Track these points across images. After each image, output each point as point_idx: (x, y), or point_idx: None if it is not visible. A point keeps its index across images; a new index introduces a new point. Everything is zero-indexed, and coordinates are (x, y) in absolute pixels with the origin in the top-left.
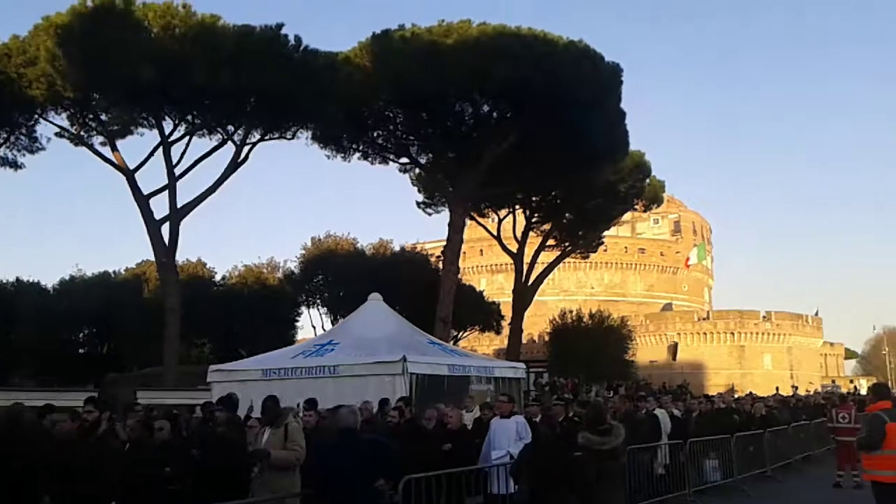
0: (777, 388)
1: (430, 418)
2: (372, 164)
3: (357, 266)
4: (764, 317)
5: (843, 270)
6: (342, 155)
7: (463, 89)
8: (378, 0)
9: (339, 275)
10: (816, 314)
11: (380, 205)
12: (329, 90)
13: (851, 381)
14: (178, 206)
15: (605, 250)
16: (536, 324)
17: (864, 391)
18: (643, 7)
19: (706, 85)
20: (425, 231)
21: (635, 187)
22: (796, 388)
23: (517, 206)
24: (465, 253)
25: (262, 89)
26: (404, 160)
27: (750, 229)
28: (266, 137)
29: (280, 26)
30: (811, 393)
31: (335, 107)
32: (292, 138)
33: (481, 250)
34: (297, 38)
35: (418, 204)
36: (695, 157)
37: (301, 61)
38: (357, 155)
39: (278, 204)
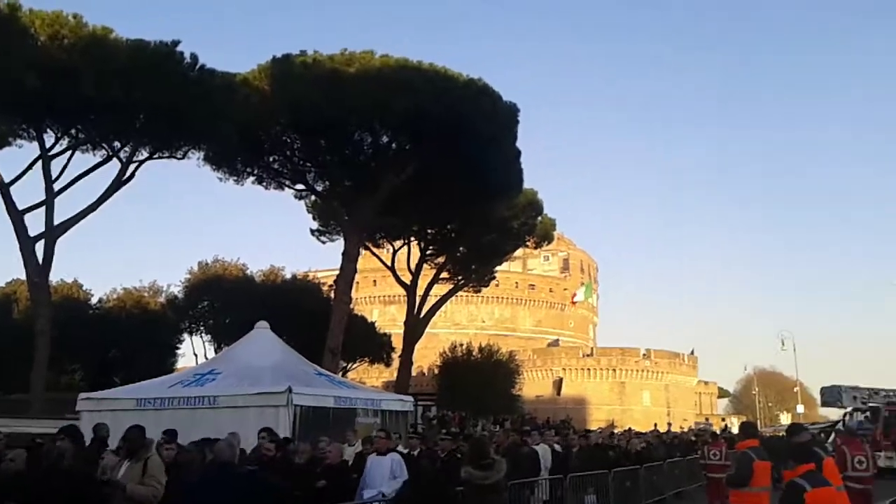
0: (655, 425)
1: (302, 452)
2: (266, 188)
3: (245, 293)
4: (644, 354)
5: (718, 312)
6: (235, 178)
7: (363, 118)
8: (278, 25)
9: (225, 301)
10: (692, 353)
11: (272, 231)
12: (224, 111)
13: (723, 420)
14: (55, 223)
15: (497, 285)
16: (427, 356)
17: (734, 429)
18: (536, 52)
19: (597, 128)
20: (318, 259)
21: (528, 224)
22: (671, 424)
23: (412, 238)
24: (358, 283)
25: (154, 105)
26: (300, 187)
27: (633, 270)
28: (155, 156)
29: (176, 43)
30: (685, 430)
31: (230, 128)
32: (183, 158)
33: (375, 281)
34: (194, 56)
35: (312, 231)
36: (584, 197)
37: (197, 80)
38: (251, 179)
39: (164, 226)
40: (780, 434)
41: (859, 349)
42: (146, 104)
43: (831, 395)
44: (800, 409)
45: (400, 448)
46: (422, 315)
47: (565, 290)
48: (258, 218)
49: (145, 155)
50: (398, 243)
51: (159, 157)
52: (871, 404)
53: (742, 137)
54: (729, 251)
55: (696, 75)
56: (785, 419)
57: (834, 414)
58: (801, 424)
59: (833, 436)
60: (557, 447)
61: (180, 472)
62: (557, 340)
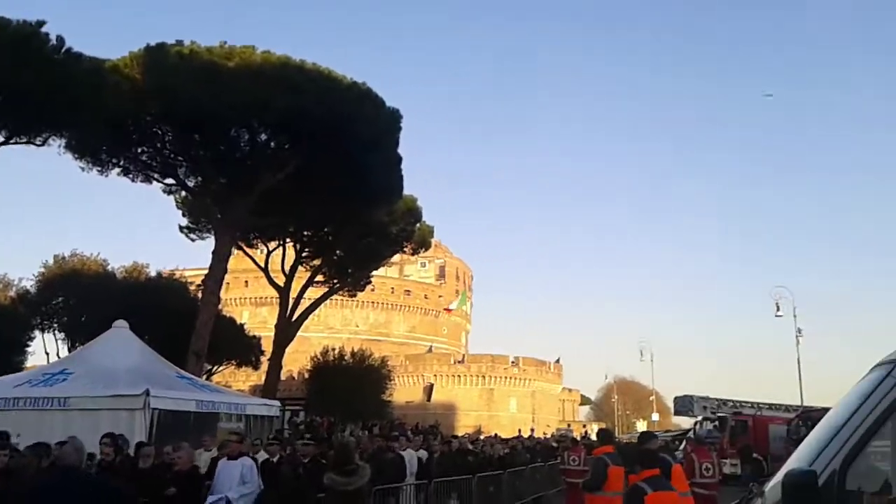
0: (519, 430)
1: (146, 456)
2: (133, 181)
3: (105, 290)
4: (513, 362)
5: (584, 322)
6: (99, 168)
7: (241, 114)
8: (155, 13)
9: (83, 298)
10: (558, 361)
11: (137, 226)
12: (91, 97)
13: (584, 426)
14: None
15: (373, 290)
16: (298, 360)
17: (594, 436)
18: (419, 61)
19: (476, 139)
20: (187, 258)
21: (406, 230)
22: (534, 430)
23: (288, 239)
24: (228, 283)
25: (13, 88)
26: (170, 181)
27: (505, 278)
28: (11, 141)
29: (41, 23)
30: (548, 436)
31: (96, 116)
32: (42, 145)
33: (247, 282)
34: (60, 39)
35: (182, 228)
36: (461, 206)
37: (62, 63)
38: (117, 170)
39: (17, 216)
40: (635, 441)
41: (713, 361)
42: (3, 86)
43: (683, 405)
44: (655, 417)
45: (261, 454)
46: (294, 318)
47: (440, 296)
48: (122, 211)
49: (0, 139)
50: (273, 244)
51: (16, 143)
52: (719, 414)
53: (610, 147)
54: (595, 263)
55: (568, 86)
56: (641, 426)
57: (686, 422)
58: (652, 432)
59: (684, 443)
60: (423, 452)
61: (11, 480)
62: (431, 347)
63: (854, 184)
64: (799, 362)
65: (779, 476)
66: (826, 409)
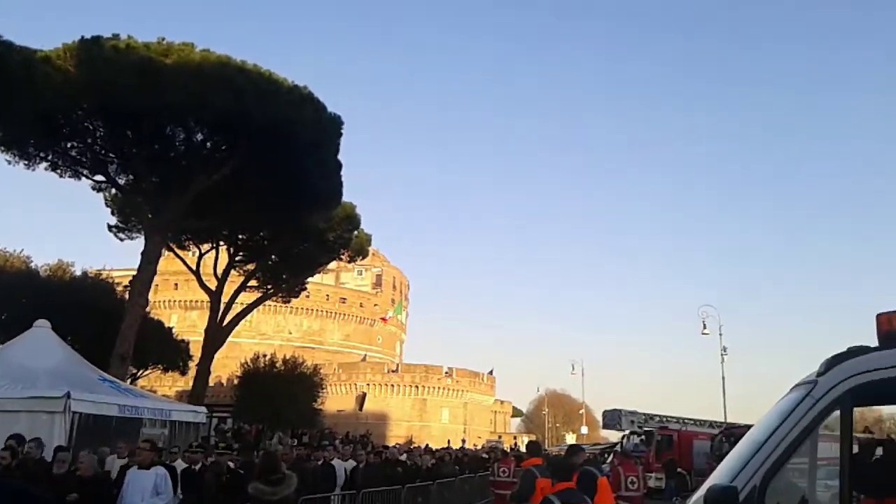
0: (449, 442)
1: (62, 462)
2: (61, 176)
3: (28, 288)
4: (446, 372)
5: (518, 334)
6: (26, 162)
7: (177, 113)
8: (91, 5)
9: (3, 296)
10: (491, 373)
11: (64, 223)
12: (19, 88)
13: (515, 438)
14: None
15: (308, 296)
16: (228, 366)
17: (524, 448)
18: (361, 69)
19: (420, 150)
20: (115, 257)
21: (343, 237)
22: (465, 441)
23: (221, 242)
24: (158, 285)
25: None
26: (100, 178)
27: (442, 288)
28: None
29: None
30: (478, 447)
31: (25, 107)
32: None
33: (177, 284)
34: None
35: (110, 227)
36: (400, 215)
37: None
38: (44, 165)
39: None
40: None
41: (643, 377)
42: None
43: (612, 419)
44: (584, 430)
45: (178, 462)
46: (225, 323)
47: (376, 305)
48: (49, 208)
49: None
50: (206, 247)
51: None
52: (646, 429)
53: (546, 161)
54: (530, 277)
55: (509, 98)
56: (570, 439)
57: (614, 436)
58: (579, 445)
59: (611, 456)
60: (351, 462)
61: None
62: (365, 356)
63: (781, 206)
64: (723, 379)
65: (701, 491)
66: (748, 426)
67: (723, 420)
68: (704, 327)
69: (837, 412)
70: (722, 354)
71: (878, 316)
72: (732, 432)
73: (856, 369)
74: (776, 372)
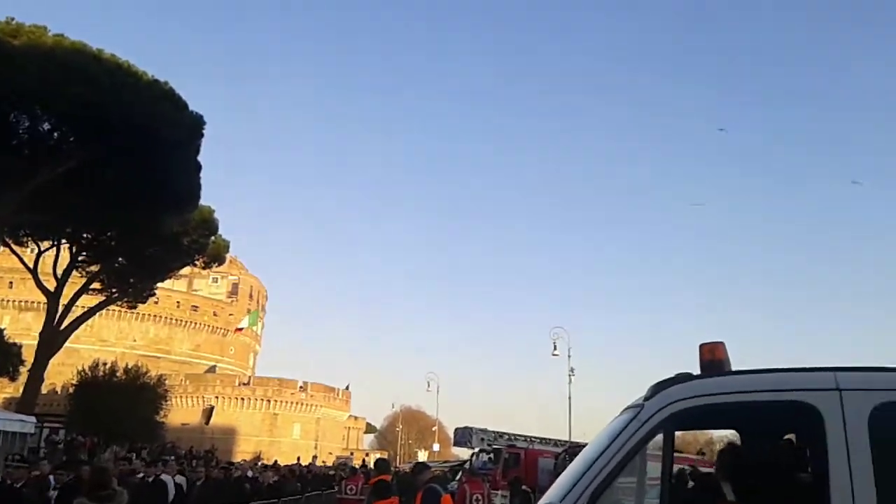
0: (299, 458)
1: None
2: None
3: None
4: (301, 387)
5: (376, 350)
6: None
7: (23, 99)
8: None
9: None
10: (347, 388)
11: None
12: None
13: (367, 454)
14: None
15: (156, 302)
16: (63, 373)
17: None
18: (231, 71)
19: (287, 161)
20: None
21: (199, 242)
22: (315, 458)
23: (64, 241)
24: None
25: None
26: None
27: (301, 301)
28: None
29: None
30: (327, 464)
31: None
32: None
33: (11, 283)
34: None
35: None
36: (261, 222)
37: None
38: None
39: None
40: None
41: (499, 395)
42: None
43: (463, 436)
44: (436, 447)
45: None
46: (63, 327)
47: (231, 315)
48: None
49: None
50: (45, 244)
51: None
52: (495, 446)
53: (403, 180)
54: (390, 293)
55: (378, 110)
56: (422, 456)
57: (466, 453)
58: (425, 463)
59: (460, 474)
60: (181, 477)
61: None
62: (215, 367)
63: (629, 232)
64: (570, 399)
65: None
66: None
67: (567, 439)
68: (555, 348)
69: (661, 435)
70: (569, 375)
71: (701, 346)
72: (575, 451)
73: (677, 395)
74: (621, 393)
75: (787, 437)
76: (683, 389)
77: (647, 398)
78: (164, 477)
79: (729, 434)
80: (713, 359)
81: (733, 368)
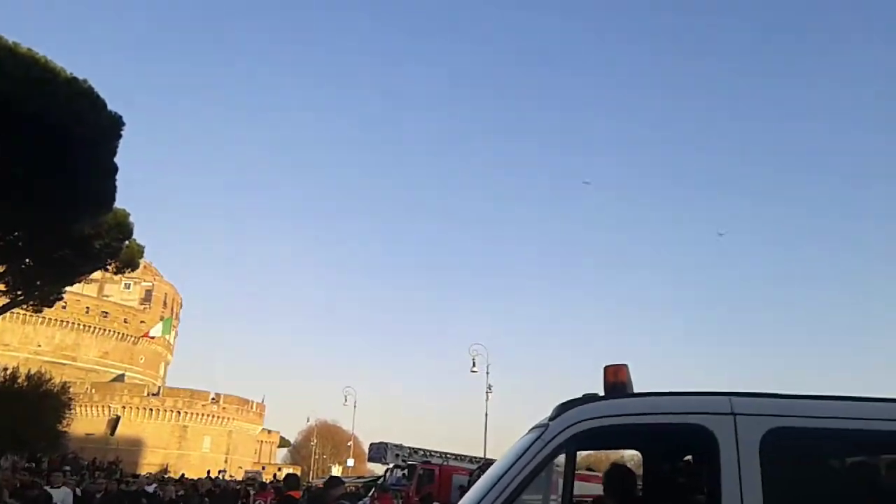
0: (209, 472)
1: None
2: None
3: None
4: (213, 399)
5: (293, 363)
6: None
7: None
8: None
9: None
10: (262, 401)
11: None
12: None
13: (279, 469)
14: None
15: (64, 307)
16: None
17: None
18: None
19: (209, 165)
20: None
21: (112, 246)
22: (224, 471)
23: None
24: None
25: None
26: None
27: (217, 311)
28: None
29: None
30: (235, 478)
31: None
32: None
33: None
34: None
35: None
36: (179, 229)
37: None
38: None
39: None
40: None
41: (418, 410)
42: None
43: (377, 452)
44: (350, 462)
45: None
46: None
47: (142, 322)
48: None
49: None
50: None
51: None
52: (409, 462)
53: (330, 188)
54: (308, 305)
55: (306, 117)
56: (336, 471)
57: (380, 469)
58: (339, 478)
59: (373, 490)
60: (65, 490)
61: None
62: (123, 375)
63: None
64: (487, 416)
65: None
66: None
67: (482, 455)
68: (474, 365)
69: (563, 455)
70: (487, 392)
71: (606, 368)
72: (488, 468)
73: (580, 416)
74: (538, 411)
75: (685, 458)
76: (586, 411)
77: (551, 418)
78: (50, 490)
79: (626, 455)
80: (616, 381)
81: (636, 391)
